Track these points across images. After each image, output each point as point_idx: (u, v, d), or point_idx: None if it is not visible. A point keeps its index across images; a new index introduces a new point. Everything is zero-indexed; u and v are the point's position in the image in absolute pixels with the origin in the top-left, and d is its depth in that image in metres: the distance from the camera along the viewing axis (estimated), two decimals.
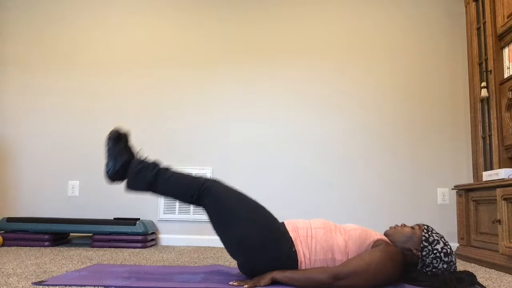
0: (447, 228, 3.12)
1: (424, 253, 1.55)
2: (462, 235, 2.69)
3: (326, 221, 1.67)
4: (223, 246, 1.65)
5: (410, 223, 3.13)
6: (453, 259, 1.57)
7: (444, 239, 1.59)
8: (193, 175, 1.71)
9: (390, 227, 1.68)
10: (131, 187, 1.69)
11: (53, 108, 3.39)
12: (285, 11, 3.41)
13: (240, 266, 1.62)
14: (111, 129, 1.79)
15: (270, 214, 1.65)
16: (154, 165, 1.70)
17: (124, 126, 3.33)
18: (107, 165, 1.71)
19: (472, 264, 2.45)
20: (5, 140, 3.37)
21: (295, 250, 1.54)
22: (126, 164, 1.70)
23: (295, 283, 1.46)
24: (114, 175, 1.70)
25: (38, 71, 3.43)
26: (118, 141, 1.73)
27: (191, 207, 3.21)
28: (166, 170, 1.69)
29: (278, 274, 1.49)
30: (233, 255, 1.62)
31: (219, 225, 1.61)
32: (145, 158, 1.73)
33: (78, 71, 3.42)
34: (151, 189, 1.67)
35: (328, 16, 3.39)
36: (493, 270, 2.23)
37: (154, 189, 1.67)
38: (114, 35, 3.45)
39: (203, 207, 1.65)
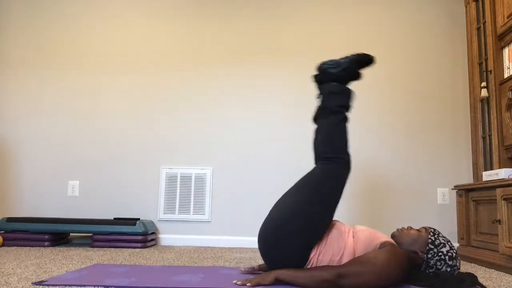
0: (447, 228, 3.12)
1: (429, 255, 1.55)
2: (462, 235, 2.69)
3: (339, 222, 1.68)
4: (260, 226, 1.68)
5: (410, 223, 3.13)
6: (457, 263, 1.57)
7: (451, 243, 1.59)
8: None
9: (397, 229, 1.68)
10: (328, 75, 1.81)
11: (53, 108, 3.39)
12: (285, 12, 3.41)
13: (264, 248, 1.61)
14: (367, 54, 1.84)
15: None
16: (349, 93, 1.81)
17: (124, 126, 3.33)
18: (329, 63, 1.81)
19: (472, 264, 2.45)
20: (5, 140, 3.37)
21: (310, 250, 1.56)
22: (338, 77, 1.79)
23: (299, 280, 1.46)
24: (327, 70, 1.80)
25: (38, 71, 3.43)
26: (363, 65, 1.82)
27: (191, 207, 3.21)
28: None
29: (281, 273, 1.49)
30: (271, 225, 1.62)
31: (301, 184, 1.66)
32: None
33: (78, 71, 3.42)
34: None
35: (328, 16, 3.39)
36: (493, 270, 2.23)
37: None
38: (114, 35, 3.45)
39: (322, 165, 1.70)
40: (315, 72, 1.87)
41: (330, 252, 1.55)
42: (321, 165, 1.69)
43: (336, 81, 1.80)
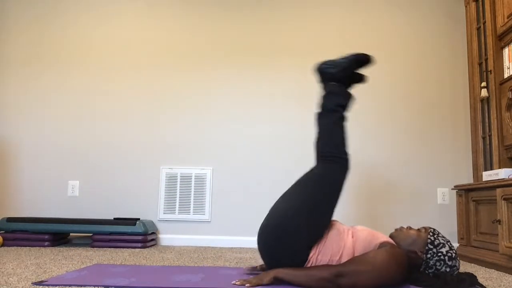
0: (447, 228, 3.12)
1: (428, 255, 1.55)
2: (462, 235, 2.69)
3: (338, 222, 1.68)
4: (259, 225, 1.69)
5: (410, 223, 3.13)
6: (457, 264, 1.56)
7: (450, 244, 1.58)
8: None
9: (396, 229, 1.68)
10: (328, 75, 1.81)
11: (54, 108, 3.38)
12: (284, 12, 3.41)
13: (263, 246, 1.61)
14: (366, 54, 1.82)
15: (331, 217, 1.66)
16: (348, 96, 1.80)
17: (124, 126, 3.33)
18: (328, 63, 1.82)
19: (472, 264, 2.45)
20: (5, 140, 3.37)
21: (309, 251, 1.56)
22: (338, 79, 1.79)
23: (297, 279, 1.46)
24: (325, 70, 1.81)
25: (39, 71, 3.43)
26: (361, 65, 1.81)
27: (191, 207, 3.21)
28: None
29: (280, 272, 1.49)
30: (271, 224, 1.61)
31: (301, 184, 1.67)
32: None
33: (78, 71, 3.42)
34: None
35: (327, 17, 3.39)
36: (493, 270, 2.23)
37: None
38: (114, 36, 3.45)
39: (320, 164, 1.71)
40: (315, 73, 1.89)
41: (329, 252, 1.55)
42: (320, 164, 1.70)
43: (336, 81, 1.80)
